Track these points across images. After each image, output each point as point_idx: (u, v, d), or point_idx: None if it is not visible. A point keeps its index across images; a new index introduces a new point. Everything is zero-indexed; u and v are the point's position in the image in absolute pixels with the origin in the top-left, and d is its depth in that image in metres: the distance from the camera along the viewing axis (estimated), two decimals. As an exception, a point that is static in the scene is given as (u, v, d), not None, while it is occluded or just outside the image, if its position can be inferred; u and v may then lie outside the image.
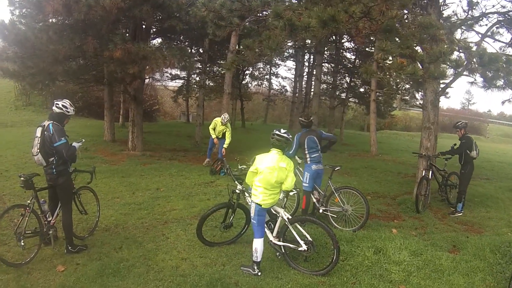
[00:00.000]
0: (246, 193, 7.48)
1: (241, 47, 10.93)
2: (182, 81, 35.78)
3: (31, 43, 13.51)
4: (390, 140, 32.93)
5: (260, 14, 11.25)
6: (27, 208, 6.46)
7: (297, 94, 35.18)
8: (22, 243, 6.37)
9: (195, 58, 19.56)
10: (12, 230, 7.04)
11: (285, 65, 41.06)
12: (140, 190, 11.54)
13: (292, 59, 36.63)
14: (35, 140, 6.67)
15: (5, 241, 7.23)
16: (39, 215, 6.75)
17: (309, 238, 6.55)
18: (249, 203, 6.94)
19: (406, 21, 9.02)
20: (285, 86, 42.84)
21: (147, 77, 21.81)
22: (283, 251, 6.75)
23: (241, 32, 17.33)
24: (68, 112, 6.84)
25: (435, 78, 8.94)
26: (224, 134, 15.01)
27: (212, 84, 34.62)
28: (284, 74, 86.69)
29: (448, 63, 8.04)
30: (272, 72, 40.82)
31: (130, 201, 10.37)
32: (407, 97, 27.56)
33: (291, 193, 7.23)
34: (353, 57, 31.86)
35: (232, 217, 7.72)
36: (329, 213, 9.01)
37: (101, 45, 13.68)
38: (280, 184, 6.48)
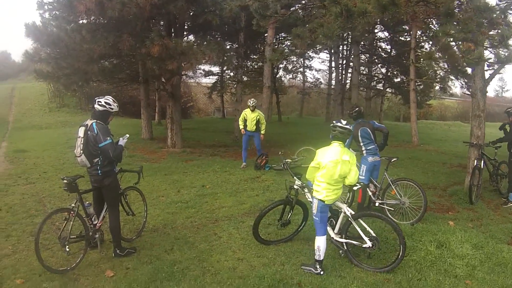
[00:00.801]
0: (305, 189, 6.92)
1: (291, 36, 10.14)
2: (215, 77, 35.50)
3: (64, 44, 13.27)
4: (427, 130, 31.80)
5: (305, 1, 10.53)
6: (72, 212, 5.98)
7: (333, 86, 34.42)
8: (67, 249, 5.88)
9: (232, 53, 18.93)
10: (55, 235, 6.62)
11: (318, 57, 40.40)
12: (185, 187, 11.07)
13: (325, 51, 35.91)
14: (77, 140, 6.15)
15: (48, 246, 6.75)
16: (84, 219, 6.28)
17: (373, 234, 6.15)
18: (309, 200, 6.62)
19: (463, 6, 8.31)
20: (319, 79, 42.07)
21: (184, 73, 21.37)
22: (345, 248, 6.35)
23: (278, 25, 16.67)
24: (112, 109, 6.31)
25: (502, 63, 8.17)
26: (257, 124, 13.61)
27: (246, 79, 34.03)
28: (317, 66, 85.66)
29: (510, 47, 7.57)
30: (305, 65, 39.94)
31: (176, 199, 9.91)
32: (447, 85, 26.52)
33: (354, 188, 6.57)
34: (388, 47, 31.07)
35: (290, 214, 7.25)
36: (385, 206, 8.49)
37: (137, 43, 13.25)
38: (343, 178, 6.06)
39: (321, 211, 5.99)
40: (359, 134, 8.43)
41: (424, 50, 25.59)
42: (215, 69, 34.93)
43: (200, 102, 50.94)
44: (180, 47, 12.60)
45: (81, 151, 6.06)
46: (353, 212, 6.26)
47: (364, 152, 8.45)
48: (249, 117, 13.55)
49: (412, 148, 20.71)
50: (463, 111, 54.43)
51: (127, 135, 6.81)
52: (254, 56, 32.84)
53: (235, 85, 32.61)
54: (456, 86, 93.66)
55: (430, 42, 25.17)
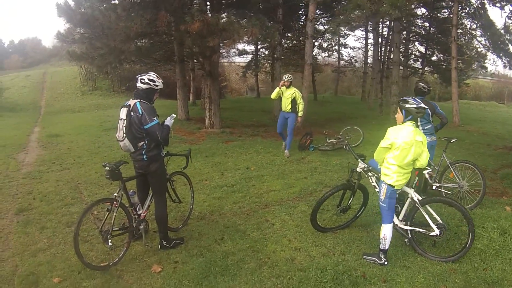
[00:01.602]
0: (370, 173, 6.32)
1: (350, 6, 9.27)
2: (249, 56, 34.87)
3: (99, 23, 12.66)
4: (464, 110, 30.75)
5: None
6: (115, 202, 5.35)
7: (370, 64, 33.31)
8: (110, 243, 5.27)
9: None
10: (94, 226, 6.09)
11: (354, 35, 39.04)
12: (229, 170, 10.45)
13: (361, 28, 34.72)
14: (119, 123, 5.43)
15: (86, 238, 6.19)
16: (128, 209, 5.64)
17: (441, 221, 5.64)
18: (373, 184, 6.26)
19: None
20: (355, 57, 40.76)
21: (224, 51, 20.68)
22: (410, 236, 5.83)
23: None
24: (157, 85, 5.61)
25: None
26: (293, 103, 11.67)
27: (282, 57, 33.26)
28: (352, 44, 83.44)
29: None
30: (340, 43, 38.68)
31: (220, 183, 9.28)
32: (487, 63, 25.39)
33: (425, 172, 5.94)
34: (426, 24, 29.90)
35: (351, 199, 6.61)
36: (443, 190, 7.82)
37: (175, 19, 12.57)
38: (413, 161, 5.48)
39: (390, 197, 5.44)
40: None
41: (465, 27, 24.47)
42: (250, 47, 34.42)
43: (232, 82, 50.64)
44: (221, 23, 11.80)
45: (124, 135, 5.36)
46: (420, 198, 5.70)
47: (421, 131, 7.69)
48: (284, 95, 11.70)
49: (454, 128, 19.63)
50: (498, 91, 53.48)
51: (174, 115, 6.14)
52: (289, 34, 31.95)
53: (271, 64, 31.98)
54: (498, 65, 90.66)
55: (471, 19, 24.13)
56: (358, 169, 6.42)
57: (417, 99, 5.48)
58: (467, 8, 23.11)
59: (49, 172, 10.54)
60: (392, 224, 5.54)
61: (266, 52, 34.79)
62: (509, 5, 17.70)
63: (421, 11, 28.76)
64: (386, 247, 5.44)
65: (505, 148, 14.17)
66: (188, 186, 7.14)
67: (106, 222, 5.31)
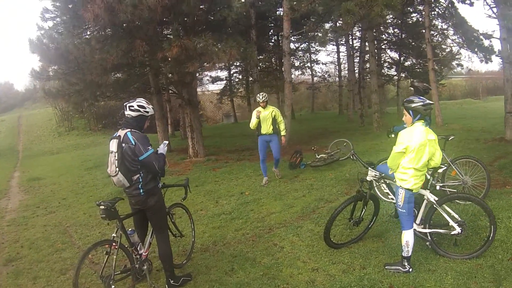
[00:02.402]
0: (381, 180, 6.26)
1: (340, 12, 8.99)
2: (223, 82, 34.80)
3: (73, 57, 12.19)
4: (443, 111, 30.96)
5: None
6: (114, 244, 4.88)
7: (345, 77, 33.36)
8: (113, 288, 4.75)
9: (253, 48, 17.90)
10: (93, 273, 5.53)
11: (325, 50, 39.30)
12: (223, 197, 10.03)
13: (332, 43, 34.95)
14: (110, 156, 4.98)
15: (85, 285, 5.66)
16: (128, 249, 5.16)
17: (459, 219, 5.51)
18: (385, 191, 6.40)
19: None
20: (328, 72, 40.98)
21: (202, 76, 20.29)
22: (430, 238, 5.63)
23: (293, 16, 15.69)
24: (148, 112, 5.19)
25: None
26: (274, 123, 10.59)
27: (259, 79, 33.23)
28: (324, 59, 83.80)
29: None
30: (312, 59, 38.83)
31: (217, 211, 8.85)
32: (463, 60, 25.69)
33: (440, 170, 5.89)
34: (396, 30, 30.40)
35: (363, 210, 6.31)
36: (447, 189, 7.61)
37: (151, 48, 12.17)
38: (428, 161, 5.32)
39: (409, 202, 5.25)
40: None
41: (437, 28, 24.71)
42: (223, 73, 34.38)
43: (207, 110, 50.52)
44: (199, 47, 11.41)
45: (117, 169, 4.89)
46: (437, 198, 5.53)
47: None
48: (263, 116, 10.51)
49: (438, 128, 19.59)
50: (472, 88, 54.49)
51: (166, 142, 5.70)
52: (260, 57, 32.00)
53: (246, 87, 31.89)
54: (474, 61, 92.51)
55: (441, 20, 24.41)
56: (368, 178, 6.18)
57: (421, 97, 5.32)
58: (437, 9, 23.33)
59: (35, 217, 10.05)
60: (413, 229, 5.35)
61: (240, 77, 34.80)
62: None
63: (391, 18, 29.07)
64: (410, 254, 5.23)
65: (494, 140, 14.15)
66: (185, 218, 6.73)
67: (106, 266, 4.83)
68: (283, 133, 10.82)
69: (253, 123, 10.63)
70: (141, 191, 5.04)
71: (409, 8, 26.56)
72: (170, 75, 14.69)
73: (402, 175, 5.23)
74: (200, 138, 16.55)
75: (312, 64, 39.28)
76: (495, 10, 13.41)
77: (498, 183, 8.63)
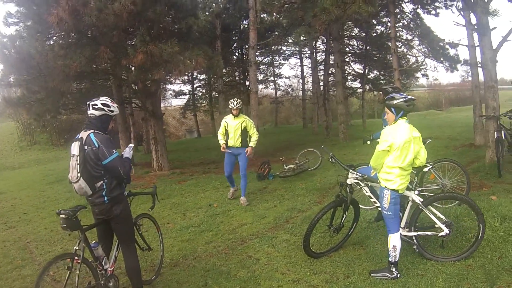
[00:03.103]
0: (362, 183, 5.93)
1: (316, 10, 8.71)
2: (186, 96, 34.41)
3: (36, 62, 11.62)
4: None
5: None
6: (76, 258, 4.37)
7: (310, 90, 33.41)
8: (76, 310, 4.25)
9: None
10: None
11: (289, 63, 39.44)
12: (190, 210, 9.56)
13: (296, 56, 35.07)
14: (71, 160, 4.50)
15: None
16: (92, 264, 4.65)
17: (446, 219, 5.37)
18: (367, 194, 5.91)
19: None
20: (291, 86, 41.01)
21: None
22: (415, 241, 5.45)
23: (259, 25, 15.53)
24: (113, 111, 4.76)
25: None
26: (244, 135, 9.45)
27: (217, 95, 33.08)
28: (287, 73, 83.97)
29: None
30: (275, 73, 38.82)
31: (185, 224, 8.38)
32: (428, 70, 26.19)
33: (425, 169, 5.81)
34: (359, 42, 30.73)
35: (344, 216, 6.03)
36: (425, 193, 7.28)
37: (116, 55, 11.71)
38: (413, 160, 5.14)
39: (395, 203, 5.04)
40: None
41: (402, 38, 25.03)
42: (186, 87, 34.03)
43: (170, 126, 49.77)
44: (166, 53, 11.00)
45: (79, 174, 4.41)
46: (422, 199, 5.36)
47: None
48: (231, 126, 9.40)
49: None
50: (435, 100, 55.60)
51: (132, 145, 5.24)
52: (224, 71, 31.84)
53: (214, 100, 31.56)
54: (439, 71, 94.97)
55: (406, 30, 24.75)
56: (348, 181, 5.91)
57: (402, 93, 5.23)
58: (403, 20, 23.63)
59: (-6, 232, 9.36)
60: (399, 232, 5.12)
61: (203, 91, 34.48)
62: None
63: (356, 31, 29.37)
64: (397, 259, 5.00)
65: (464, 146, 14.36)
66: (151, 232, 6.25)
67: (67, 283, 4.31)
68: (253, 143, 9.50)
69: (221, 129, 9.66)
70: (105, 198, 4.57)
71: (373, 21, 26.87)
72: (135, 85, 14.20)
73: (387, 175, 5.03)
74: (164, 151, 16.03)
75: (276, 78, 39.27)
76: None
77: (475, 186, 8.67)
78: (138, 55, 10.77)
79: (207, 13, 18.59)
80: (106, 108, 4.64)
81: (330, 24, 8.08)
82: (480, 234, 5.28)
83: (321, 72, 30.10)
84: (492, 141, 9.94)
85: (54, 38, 13.29)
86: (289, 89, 40.70)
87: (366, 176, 5.82)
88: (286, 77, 40.49)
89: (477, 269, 4.98)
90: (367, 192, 5.85)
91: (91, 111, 4.62)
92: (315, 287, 5.02)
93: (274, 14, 19.33)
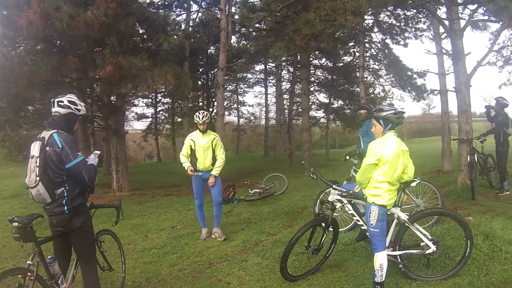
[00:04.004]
0: (345, 200, 5.59)
1: (299, 24, 8.43)
2: (149, 120, 33.90)
3: (0, 65, 11.05)
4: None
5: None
6: (29, 274, 3.79)
7: (273, 118, 33.36)
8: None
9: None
10: None
11: (253, 91, 39.41)
12: (152, 231, 8.99)
13: (261, 84, 35.09)
14: (30, 162, 3.97)
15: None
16: (47, 282, 4.04)
17: (431, 236, 5.18)
18: (350, 212, 5.63)
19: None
20: (254, 113, 40.91)
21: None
22: (400, 261, 5.17)
23: (229, 47, 15.32)
24: (79, 110, 4.30)
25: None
26: (211, 156, 7.79)
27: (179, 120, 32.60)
28: (250, 101, 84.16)
29: None
30: (239, 101, 38.67)
31: (147, 245, 7.82)
32: (395, 99, 26.67)
33: (413, 184, 5.33)
34: (326, 73, 30.80)
35: (324, 236, 5.64)
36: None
37: (84, 65, 11.17)
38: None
39: (382, 220, 4.78)
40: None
41: (371, 68, 25.32)
42: (149, 111, 33.46)
43: (130, 150, 48.83)
44: (135, 67, 10.54)
45: (37, 178, 3.89)
46: (407, 216, 5.16)
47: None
48: (200, 146, 7.71)
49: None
50: (397, 131, 56.54)
51: (98, 152, 4.70)
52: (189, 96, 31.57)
53: (171, 126, 31.06)
54: (405, 100, 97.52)
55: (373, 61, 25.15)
56: (330, 198, 5.55)
57: (391, 105, 5.34)
58: (372, 50, 23.97)
59: None
60: (386, 251, 4.86)
61: (166, 115, 33.97)
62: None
63: (319, 61, 29.54)
64: (383, 279, 4.72)
65: (432, 172, 14.44)
66: (113, 249, 5.69)
67: None
68: (216, 171, 7.73)
69: (185, 147, 7.90)
70: (66, 208, 4.06)
71: (341, 52, 27.15)
72: (99, 101, 13.61)
73: (375, 190, 4.78)
74: (125, 171, 15.38)
75: (239, 106, 39.09)
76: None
77: (449, 208, 8.32)
78: (107, 66, 10.27)
79: (179, 33, 18.30)
80: (72, 106, 4.17)
81: (310, 40, 7.79)
82: (468, 250, 5.17)
83: (285, 102, 30.12)
84: (464, 164, 10.00)
85: (22, 46, 12.76)
86: (252, 117, 40.59)
87: (351, 192, 5.46)
88: (249, 105, 40.41)
89: (465, 286, 4.89)
90: (349, 210, 5.57)
91: (55, 109, 4.14)
92: (297, 310, 4.59)
93: (243, 41, 19.41)
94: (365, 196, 4.96)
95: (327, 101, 30.62)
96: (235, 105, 38.79)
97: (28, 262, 3.87)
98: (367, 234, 5.25)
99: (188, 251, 7.27)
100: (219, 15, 19.65)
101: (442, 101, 15.15)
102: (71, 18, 9.99)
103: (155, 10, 14.49)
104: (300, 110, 30.87)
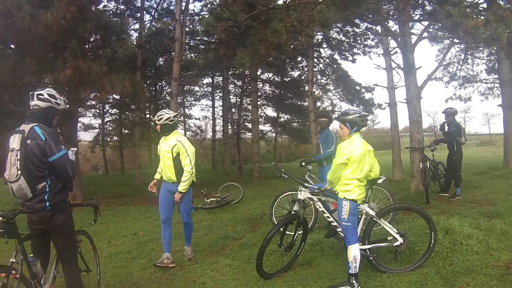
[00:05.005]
0: (315, 198, 5.81)
1: (265, 34, 8.45)
2: (96, 130, 33.04)
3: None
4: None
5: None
6: (13, 272, 3.58)
7: (221, 131, 33.26)
8: None
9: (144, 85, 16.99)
10: None
11: (200, 104, 38.87)
12: (115, 238, 8.75)
13: (208, 97, 34.98)
14: (10, 156, 3.78)
15: None
16: (30, 282, 3.82)
17: (397, 230, 5.45)
18: (320, 209, 5.80)
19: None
20: (201, 126, 40.68)
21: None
22: (369, 254, 5.39)
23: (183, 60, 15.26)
24: (59, 104, 4.17)
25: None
26: (172, 165, 6.39)
27: (127, 132, 31.90)
28: (197, 114, 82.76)
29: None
30: (186, 114, 38.32)
31: (113, 251, 7.61)
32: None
33: (379, 181, 5.62)
34: (273, 88, 31.20)
35: (296, 233, 5.86)
36: None
37: (42, 68, 10.80)
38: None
39: (353, 214, 5.05)
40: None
41: (320, 83, 25.78)
42: (96, 121, 32.62)
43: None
44: (95, 71, 10.24)
45: (19, 172, 3.71)
46: (374, 212, 5.41)
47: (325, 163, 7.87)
48: (161, 152, 6.56)
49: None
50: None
51: (75, 149, 4.52)
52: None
53: (119, 138, 30.39)
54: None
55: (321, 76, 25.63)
56: (301, 196, 5.74)
57: (355, 109, 5.28)
58: (320, 65, 24.45)
59: None
60: (357, 244, 5.05)
61: (114, 125, 33.25)
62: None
63: (268, 76, 29.75)
64: (357, 270, 4.90)
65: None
66: (87, 250, 5.45)
67: None
68: (182, 187, 6.27)
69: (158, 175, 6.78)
70: (47, 204, 3.90)
71: (288, 68, 27.57)
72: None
73: (346, 186, 5.04)
74: (78, 180, 14.87)
75: (186, 119, 38.75)
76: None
77: (404, 213, 8.39)
78: (67, 69, 9.95)
79: (133, 43, 18.02)
80: (52, 100, 4.07)
81: (274, 49, 7.91)
82: (433, 242, 5.43)
83: (235, 112, 30.20)
84: (417, 171, 10.29)
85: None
86: (198, 130, 40.33)
87: (323, 189, 5.72)
88: (196, 118, 40.01)
89: (433, 275, 5.09)
90: (320, 207, 5.75)
91: (35, 102, 4.00)
92: (275, 305, 4.61)
93: (190, 54, 19.21)
94: (336, 192, 5.17)
95: (275, 114, 30.95)
96: (182, 118, 38.35)
97: (11, 259, 3.68)
98: (337, 230, 5.50)
99: (155, 255, 7.10)
100: (172, 27, 19.56)
101: (392, 114, 15.71)
102: (32, 18, 9.71)
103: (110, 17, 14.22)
104: (247, 123, 31.18)
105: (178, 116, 7.78)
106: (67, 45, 10.22)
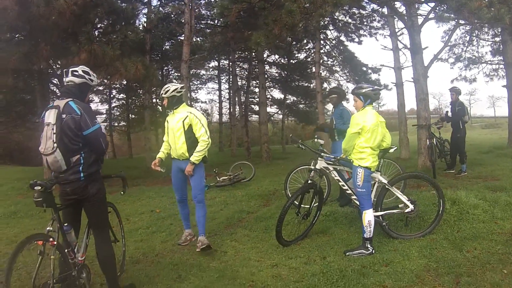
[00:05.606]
0: (331, 167, 6.09)
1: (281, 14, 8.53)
2: (104, 115, 33.12)
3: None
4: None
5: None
6: (51, 240, 3.71)
7: (227, 114, 33.31)
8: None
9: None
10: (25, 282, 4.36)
11: (206, 87, 38.73)
12: (133, 215, 8.94)
13: (214, 81, 35.01)
14: (46, 130, 3.86)
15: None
16: (65, 251, 3.94)
17: (408, 197, 5.76)
18: (336, 178, 6.12)
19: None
20: (207, 110, 40.74)
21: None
22: (382, 220, 5.67)
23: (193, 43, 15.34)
24: (92, 81, 4.26)
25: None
26: (189, 140, 5.91)
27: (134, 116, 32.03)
28: (203, 98, 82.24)
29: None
30: (192, 98, 38.28)
31: (132, 227, 7.78)
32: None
33: (391, 150, 5.82)
34: (279, 71, 31.20)
35: (313, 201, 6.04)
36: None
37: (56, 53, 10.94)
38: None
39: (367, 180, 5.37)
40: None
41: (326, 64, 25.70)
42: (103, 107, 32.79)
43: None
44: (109, 55, 10.33)
45: (55, 144, 3.81)
46: (386, 180, 5.70)
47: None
48: (170, 128, 6.04)
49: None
50: None
51: (104, 124, 4.65)
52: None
53: (127, 123, 30.53)
54: None
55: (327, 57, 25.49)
56: (318, 166, 6.01)
57: (368, 84, 5.79)
58: (326, 46, 24.36)
59: None
60: (372, 209, 5.37)
61: (121, 110, 33.44)
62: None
63: (274, 58, 29.67)
64: (371, 235, 5.24)
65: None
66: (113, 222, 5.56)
67: (38, 271, 3.61)
68: (195, 158, 5.78)
69: (164, 139, 6.40)
70: (82, 175, 3.97)
71: (295, 50, 27.60)
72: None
73: (360, 155, 5.33)
74: (90, 163, 15.03)
75: (192, 103, 38.72)
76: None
77: (412, 186, 8.94)
78: (82, 53, 10.05)
79: (142, 26, 18.10)
80: (86, 76, 4.16)
81: (287, 30, 8.10)
82: (441, 209, 5.77)
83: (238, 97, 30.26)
84: (424, 147, 10.58)
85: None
86: (205, 114, 40.34)
87: (339, 158, 5.97)
88: (202, 102, 40.02)
89: (442, 241, 5.41)
90: (335, 176, 6.05)
91: (69, 78, 4.09)
92: (296, 268, 4.93)
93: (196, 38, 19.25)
94: (351, 161, 5.45)
95: (281, 96, 30.90)
96: (188, 102, 38.35)
97: (48, 228, 3.79)
98: (352, 198, 5.79)
99: (174, 229, 7.28)
100: (180, 11, 19.59)
101: (398, 93, 15.85)
102: (46, 4, 9.75)
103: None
104: (254, 106, 31.15)
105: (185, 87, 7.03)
106: (79, 31, 10.30)
